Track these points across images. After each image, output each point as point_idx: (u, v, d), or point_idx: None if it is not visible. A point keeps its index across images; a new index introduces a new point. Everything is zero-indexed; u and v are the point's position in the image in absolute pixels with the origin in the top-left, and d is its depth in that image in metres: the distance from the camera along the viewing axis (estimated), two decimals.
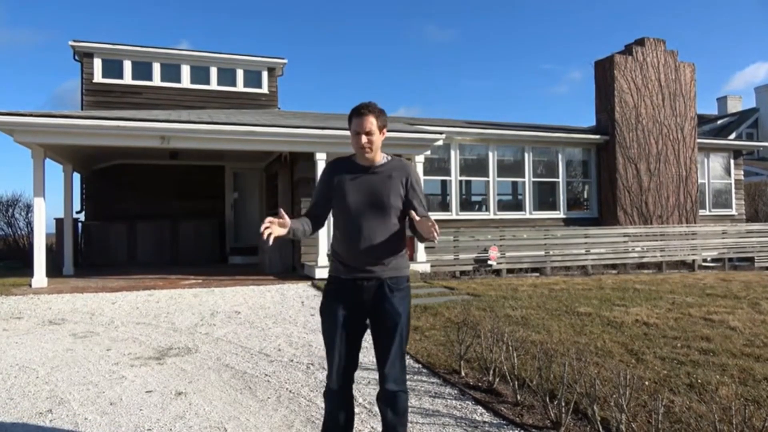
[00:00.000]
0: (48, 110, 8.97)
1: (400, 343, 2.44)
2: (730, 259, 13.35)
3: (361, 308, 2.47)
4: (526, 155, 13.14)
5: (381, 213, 2.45)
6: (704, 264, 13.21)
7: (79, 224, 13.09)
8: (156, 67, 13.94)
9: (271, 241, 2.27)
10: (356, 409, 3.43)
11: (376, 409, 3.32)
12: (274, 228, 2.28)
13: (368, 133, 2.42)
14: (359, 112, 2.44)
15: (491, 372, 3.90)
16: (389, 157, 2.56)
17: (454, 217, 12.27)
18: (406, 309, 2.49)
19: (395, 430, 2.46)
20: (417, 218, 2.37)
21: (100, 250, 12.72)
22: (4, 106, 8.35)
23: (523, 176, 13.13)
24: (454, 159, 12.40)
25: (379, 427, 2.68)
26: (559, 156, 13.47)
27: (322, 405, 3.48)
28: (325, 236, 9.59)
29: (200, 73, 14.34)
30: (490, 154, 12.78)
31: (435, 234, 2.27)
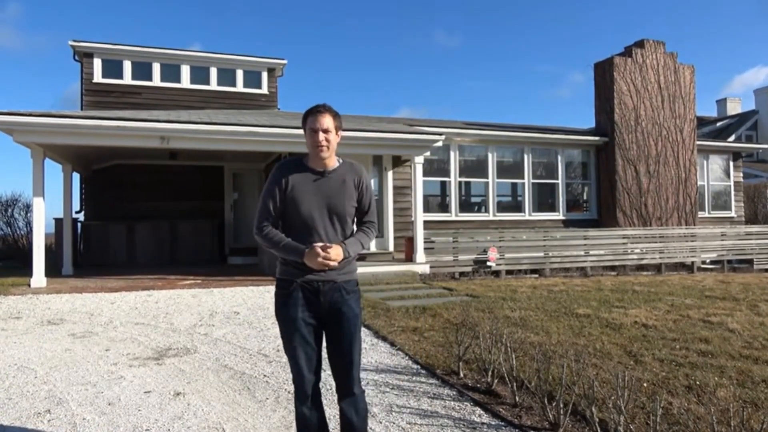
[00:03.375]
0: (51, 111, 8.97)
1: (359, 345, 2.46)
2: (729, 261, 13.36)
3: (318, 311, 2.41)
4: (526, 156, 13.14)
5: (337, 218, 2.42)
6: (703, 266, 13.22)
7: (79, 224, 13.08)
8: (156, 68, 13.94)
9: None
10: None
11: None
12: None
13: (326, 131, 2.38)
14: (316, 110, 2.41)
15: (490, 373, 3.90)
16: (341, 160, 2.52)
17: (453, 218, 12.27)
18: (360, 311, 2.50)
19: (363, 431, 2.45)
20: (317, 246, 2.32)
21: (100, 251, 12.71)
22: (14, 107, 8.36)
23: (523, 177, 13.14)
24: (454, 160, 12.40)
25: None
26: (559, 157, 13.48)
27: None
28: None
29: (200, 74, 14.34)
30: (490, 155, 12.78)
31: (324, 263, 2.28)
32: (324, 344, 2.50)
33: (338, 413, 2.47)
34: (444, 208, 12.52)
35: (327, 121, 2.38)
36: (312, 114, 2.41)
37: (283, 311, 2.41)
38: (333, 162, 2.47)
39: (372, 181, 11.08)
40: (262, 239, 2.42)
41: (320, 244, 2.32)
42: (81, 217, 13.62)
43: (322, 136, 2.37)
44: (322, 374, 2.52)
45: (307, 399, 2.40)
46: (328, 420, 2.61)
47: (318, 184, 2.41)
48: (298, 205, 2.38)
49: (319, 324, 2.44)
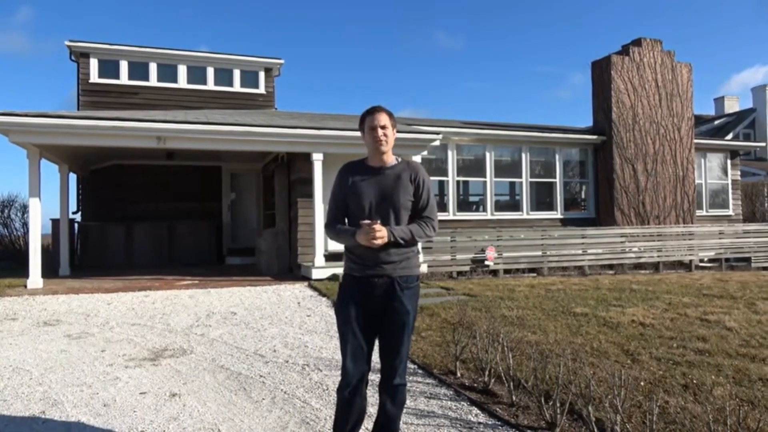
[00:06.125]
0: (47, 111, 8.93)
1: (407, 339, 2.55)
2: (727, 260, 13.36)
3: (372, 305, 2.53)
4: (524, 155, 13.14)
5: (392, 210, 2.53)
6: (701, 264, 13.22)
7: (76, 225, 13.05)
8: (153, 67, 13.90)
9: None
10: None
11: (371, 410, 3.31)
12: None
13: (383, 127, 2.57)
14: (373, 110, 2.61)
15: (487, 373, 3.89)
16: (399, 159, 2.68)
17: (451, 217, 12.27)
18: (415, 307, 2.58)
19: (393, 421, 2.56)
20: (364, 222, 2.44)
21: (97, 251, 12.68)
22: (19, 109, 8.30)
23: (521, 176, 13.14)
24: (452, 159, 12.39)
25: (371, 427, 2.70)
26: (557, 156, 13.48)
27: (317, 406, 3.49)
28: (321, 238, 9.58)
29: (197, 74, 14.30)
30: (488, 155, 12.77)
31: (371, 241, 2.40)
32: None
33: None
34: (442, 207, 12.48)
35: (383, 118, 2.58)
36: (369, 114, 2.61)
37: (340, 304, 2.59)
38: (391, 159, 2.64)
39: None
40: (330, 233, 2.65)
41: (367, 221, 2.42)
42: (78, 217, 13.59)
43: (380, 132, 2.56)
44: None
45: (347, 387, 2.51)
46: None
47: (376, 179, 2.58)
48: (357, 198, 2.56)
49: (374, 319, 2.55)
